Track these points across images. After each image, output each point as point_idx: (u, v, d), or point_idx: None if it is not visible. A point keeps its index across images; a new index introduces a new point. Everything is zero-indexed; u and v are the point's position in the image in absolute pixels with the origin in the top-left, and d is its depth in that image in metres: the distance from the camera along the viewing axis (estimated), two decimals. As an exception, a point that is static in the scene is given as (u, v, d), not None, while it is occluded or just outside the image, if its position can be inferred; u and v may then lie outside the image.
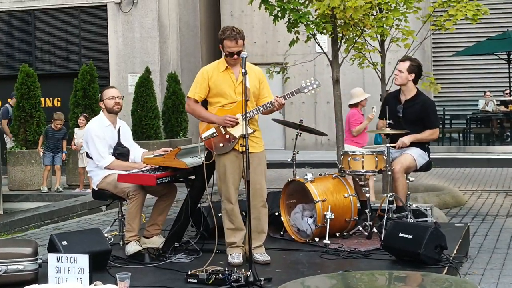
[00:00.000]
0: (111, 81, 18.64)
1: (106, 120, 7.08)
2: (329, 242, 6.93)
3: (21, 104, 14.25)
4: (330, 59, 10.45)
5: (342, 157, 7.38)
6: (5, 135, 14.91)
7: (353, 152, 7.30)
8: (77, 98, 15.09)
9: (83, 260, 5.64)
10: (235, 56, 6.40)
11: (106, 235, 7.60)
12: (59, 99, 19.30)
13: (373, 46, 11.45)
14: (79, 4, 18.89)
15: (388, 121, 7.32)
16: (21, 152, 14.07)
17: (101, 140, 6.92)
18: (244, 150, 6.33)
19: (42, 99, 19.20)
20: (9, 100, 15.38)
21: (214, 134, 6.40)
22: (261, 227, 6.54)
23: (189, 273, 5.84)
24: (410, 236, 6.15)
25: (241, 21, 20.97)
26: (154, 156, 6.81)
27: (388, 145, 7.17)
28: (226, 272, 5.71)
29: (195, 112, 6.55)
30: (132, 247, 6.68)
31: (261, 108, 6.43)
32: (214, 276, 5.70)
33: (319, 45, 10.66)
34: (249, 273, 5.55)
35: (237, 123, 6.36)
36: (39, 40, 19.13)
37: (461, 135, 19.50)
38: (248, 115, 6.38)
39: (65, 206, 10.02)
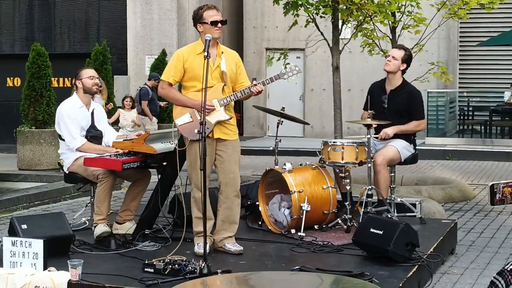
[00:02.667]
0: (128, 62, 18.54)
1: (79, 101, 6.91)
2: (303, 234, 6.70)
3: (31, 83, 14.18)
4: (331, 45, 10.16)
5: (322, 147, 7.11)
6: (141, 117, 14.71)
7: (333, 142, 7.03)
8: (88, 78, 14.98)
9: (38, 245, 5.50)
10: (219, 25, 6.16)
11: (83, 219, 7.51)
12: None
13: (384, 33, 11.16)
14: (99, -16, 18.83)
15: (370, 111, 7.04)
16: (31, 132, 14.02)
17: (73, 121, 6.76)
18: (217, 137, 6.18)
19: (61, 79, 19.27)
20: (148, 81, 15.07)
21: (189, 120, 6.19)
22: (233, 217, 6.34)
23: (146, 262, 5.66)
24: (381, 232, 5.90)
25: (264, 4, 20.70)
26: (124, 140, 6.64)
27: (369, 136, 6.89)
28: (183, 262, 5.52)
29: (169, 96, 6.33)
30: (99, 228, 6.54)
31: (238, 93, 6.19)
32: (170, 266, 5.51)
33: (319, 29, 10.37)
34: (204, 264, 5.35)
35: (214, 109, 6.15)
36: (58, 20, 19.10)
37: (482, 127, 19.02)
38: (225, 100, 6.18)
39: (57, 187, 9.89)
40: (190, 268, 5.43)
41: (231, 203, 6.27)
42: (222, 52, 6.26)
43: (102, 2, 18.92)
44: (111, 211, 7.55)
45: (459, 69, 20.78)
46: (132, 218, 6.97)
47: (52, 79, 19.04)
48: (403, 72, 7.33)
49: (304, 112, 20.86)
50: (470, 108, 19.75)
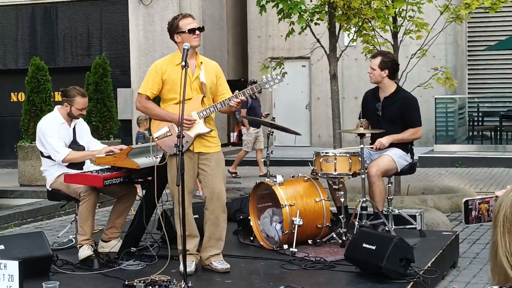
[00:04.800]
0: (131, 75, 18.35)
1: (60, 118, 6.70)
2: (296, 250, 6.41)
3: (31, 98, 13.97)
4: (327, 52, 9.90)
5: (314, 157, 6.83)
6: (242, 127, 14.41)
7: (325, 153, 6.74)
8: (89, 92, 14.78)
9: (13, 266, 5.24)
10: (197, 32, 5.91)
11: (70, 236, 7.27)
12: (81, 92, 19.08)
13: (385, 39, 10.88)
14: (100, -3, 18.66)
15: (362, 119, 6.76)
16: (31, 147, 13.78)
17: (54, 134, 6.53)
18: (198, 151, 5.94)
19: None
20: None
21: (168, 134, 5.94)
22: (219, 233, 6.07)
23: (126, 283, 5.42)
24: (373, 247, 5.61)
25: (268, 13, 20.25)
26: (106, 155, 6.39)
27: (362, 145, 6.60)
28: (163, 283, 5.27)
29: (148, 110, 6.07)
30: (83, 252, 6.29)
31: (218, 105, 5.94)
32: (150, 287, 5.26)
33: (315, 36, 10.11)
34: (183, 285, 5.08)
35: (194, 123, 5.89)
36: (61, 34, 18.94)
37: (493, 133, 18.65)
38: (204, 112, 5.93)
39: (51, 204, 9.65)
40: (171, 289, 5.18)
41: (216, 219, 6.01)
42: (201, 63, 6.01)
43: (104, 15, 18.74)
44: (98, 229, 7.33)
45: (468, 74, 20.43)
46: (118, 236, 6.72)
47: (56, 93, 19.01)
48: (391, 77, 7.03)
49: (311, 121, 20.59)
50: (480, 114, 19.37)
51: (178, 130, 5.86)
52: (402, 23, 10.92)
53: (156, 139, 5.98)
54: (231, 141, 21.32)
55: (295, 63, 19.66)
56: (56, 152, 6.50)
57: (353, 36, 10.11)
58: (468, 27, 19.93)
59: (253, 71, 20.45)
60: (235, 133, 21.35)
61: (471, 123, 19.09)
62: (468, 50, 20.32)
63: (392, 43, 10.85)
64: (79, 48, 19.00)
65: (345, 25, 10.22)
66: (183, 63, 5.44)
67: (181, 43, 5.90)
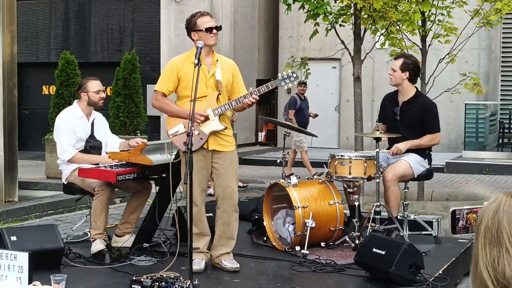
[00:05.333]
0: (161, 71, 18.40)
1: (80, 111, 6.72)
2: (307, 252, 6.38)
3: (60, 91, 14.10)
4: (352, 55, 9.85)
5: (329, 160, 6.79)
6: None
7: (340, 155, 6.70)
8: (117, 87, 14.89)
9: (23, 258, 5.29)
10: (214, 31, 5.93)
11: (86, 230, 7.31)
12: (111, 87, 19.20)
13: (413, 42, 10.80)
14: (133, -7, 18.77)
15: (379, 123, 6.71)
16: (59, 140, 13.91)
17: (68, 133, 6.55)
18: (212, 148, 5.94)
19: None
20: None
21: (182, 131, 5.94)
22: (230, 233, 6.07)
23: (134, 278, 5.43)
24: (383, 252, 5.56)
25: (299, 13, 20.23)
26: (121, 150, 6.42)
27: (377, 149, 6.55)
28: (170, 280, 5.27)
29: (163, 107, 6.09)
30: (95, 246, 6.33)
31: (233, 102, 5.94)
32: (157, 283, 5.27)
33: (339, 38, 10.06)
34: (189, 283, 5.08)
35: (207, 119, 5.90)
36: (93, 29, 19.08)
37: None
38: (219, 110, 5.94)
39: (73, 196, 9.70)
40: (177, 286, 5.18)
41: (228, 218, 6.01)
42: (217, 60, 6.01)
43: (136, 11, 18.85)
44: (113, 224, 7.37)
45: (501, 80, 20.18)
46: (132, 231, 6.75)
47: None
48: (411, 81, 6.94)
49: (340, 123, 20.51)
50: (512, 121, 19.13)
51: (193, 127, 5.89)
52: (431, 26, 10.83)
53: (170, 136, 6.00)
54: (259, 141, 21.31)
55: (326, 64, 19.58)
56: (63, 150, 6.53)
57: (379, 38, 10.04)
58: (503, 32, 19.66)
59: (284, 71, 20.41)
60: (263, 133, 21.34)
61: (501, 130, 18.85)
62: (502, 56, 20.04)
63: (421, 47, 10.77)
64: (110, 44, 19.13)
65: (372, 28, 10.16)
66: (196, 61, 5.44)
67: (198, 41, 5.91)
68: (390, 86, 7.07)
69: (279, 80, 6.04)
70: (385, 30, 10.18)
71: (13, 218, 8.87)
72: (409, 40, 10.80)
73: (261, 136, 21.30)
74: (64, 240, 6.71)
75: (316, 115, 14.99)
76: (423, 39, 10.80)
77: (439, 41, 10.89)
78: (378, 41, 10.17)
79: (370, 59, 18.22)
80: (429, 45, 10.81)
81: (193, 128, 5.33)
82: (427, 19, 10.68)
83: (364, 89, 17.46)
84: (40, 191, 10.80)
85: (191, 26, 6.02)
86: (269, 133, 21.47)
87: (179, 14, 18.35)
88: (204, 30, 5.89)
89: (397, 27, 10.31)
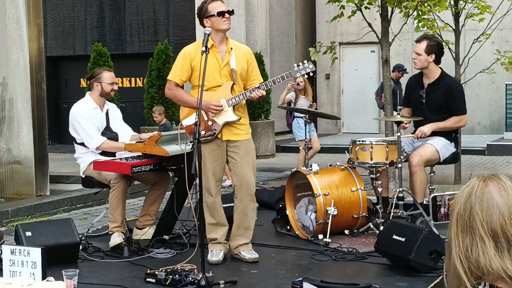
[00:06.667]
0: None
1: (93, 102, 6.65)
2: (329, 240, 6.24)
3: (93, 84, 14.11)
4: (379, 37, 9.62)
5: (350, 146, 6.61)
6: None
7: (361, 141, 6.52)
8: (151, 78, 14.88)
9: (36, 253, 5.26)
10: (227, 15, 5.81)
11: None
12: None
13: (446, 23, 10.51)
14: (167, -17, 18.68)
15: (400, 107, 6.50)
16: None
17: (88, 121, 6.48)
18: (227, 139, 5.83)
19: (133, 79, 19.26)
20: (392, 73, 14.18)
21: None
22: (248, 223, 5.96)
23: (148, 272, 5.36)
24: (403, 239, 5.38)
25: (336, -2, 20.10)
26: (136, 142, 6.33)
27: (399, 134, 6.35)
28: (184, 273, 5.19)
29: (177, 97, 5.98)
30: (114, 239, 6.27)
31: (247, 93, 5.81)
32: (171, 276, 5.19)
33: (366, 20, 9.84)
34: (201, 276, 4.98)
35: (222, 110, 5.78)
36: (128, 20, 19.05)
37: None
38: (233, 100, 5.81)
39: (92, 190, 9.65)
40: (191, 279, 5.10)
41: (245, 208, 5.89)
42: (232, 48, 5.87)
43: (170, 2, 18.75)
44: (134, 217, 7.31)
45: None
46: (153, 223, 6.68)
47: (124, 79, 19.19)
48: (437, 62, 6.70)
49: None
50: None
51: (207, 117, 5.78)
52: (464, 6, 10.52)
53: (185, 126, 5.89)
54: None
55: (364, 48, 19.30)
56: (90, 138, 6.45)
57: (407, 20, 9.77)
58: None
59: (322, 57, 20.18)
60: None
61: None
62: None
63: (454, 27, 10.48)
64: (146, 35, 19.09)
65: (403, 10, 9.89)
66: (203, 48, 5.33)
67: (210, 28, 5.79)
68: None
69: (294, 71, 5.90)
70: (413, 11, 9.90)
71: (41, 212, 8.86)
72: (442, 21, 10.52)
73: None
74: (85, 234, 6.68)
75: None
76: (456, 18, 10.50)
77: (473, 19, 10.57)
78: (406, 23, 9.88)
79: (409, 41, 17.91)
80: (462, 25, 10.52)
81: (200, 117, 5.21)
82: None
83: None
84: (72, 185, 10.78)
85: (202, 13, 5.92)
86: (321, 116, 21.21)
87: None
88: (216, 14, 5.77)
89: (428, 7, 10.03)
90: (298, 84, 11.73)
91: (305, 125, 7.06)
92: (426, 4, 9.69)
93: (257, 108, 16.69)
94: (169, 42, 16.31)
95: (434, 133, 6.60)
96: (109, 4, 19.19)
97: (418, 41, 6.80)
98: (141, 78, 19.00)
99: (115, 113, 6.78)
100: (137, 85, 19.00)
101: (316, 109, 11.91)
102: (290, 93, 12.16)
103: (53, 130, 18.61)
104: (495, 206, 2.03)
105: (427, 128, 6.52)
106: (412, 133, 6.71)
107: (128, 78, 19.12)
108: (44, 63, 10.29)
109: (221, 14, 5.78)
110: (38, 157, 9.85)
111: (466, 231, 2.04)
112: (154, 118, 12.09)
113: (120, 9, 19.06)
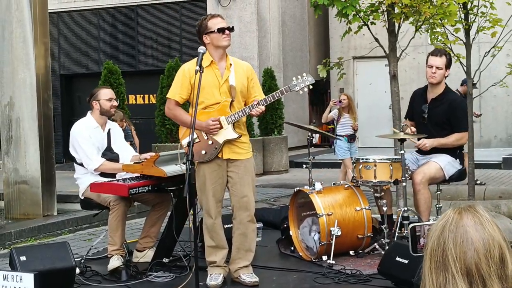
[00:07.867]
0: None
1: (94, 121, 6.54)
2: (333, 262, 6.07)
3: (104, 102, 14.04)
4: (387, 52, 9.46)
5: (354, 164, 6.46)
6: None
7: (365, 159, 6.36)
8: (163, 95, 14.77)
9: (28, 279, 5.14)
10: (227, 32, 5.68)
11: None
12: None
13: (456, 37, 10.35)
14: (179, -1, 18.63)
15: (403, 124, 6.35)
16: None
17: (88, 141, 6.37)
18: (227, 157, 5.69)
19: (146, 96, 19.20)
20: (460, 87, 13.87)
21: (196, 140, 5.70)
22: (248, 245, 5.80)
23: (145, 296, 5.23)
24: (406, 261, 5.22)
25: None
26: (134, 163, 6.21)
27: (402, 151, 6.19)
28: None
29: (176, 117, 5.84)
30: (112, 263, 6.14)
31: (247, 109, 5.67)
32: (166, 301, 5.06)
33: (373, 35, 9.68)
34: (196, 301, 4.84)
35: (220, 128, 5.64)
36: (141, 37, 19.01)
37: None
38: (233, 117, 5.68)
39: (91, 212, 9.52)
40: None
41: (245, 229, 5.74)
42: (231, 65, 5.74)
43: (184, 18, 18.70)
44: (135, 239, 7.18)
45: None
46: (153, 245, 6.54)
47: (138, 96, 19.14)
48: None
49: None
50: None
51: (206, 136, 5.66)
52: (474, 19, 10.36)
53: (184, 146, 5.76)
54: (313, 143, 20.93)
55: (378, 62, 19.10)
56: (89, 160, 6.34)
57: (415, 34, 9.61)
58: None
59: (334, 72, 20.06)
60: (318, 135, 20.95)
61: None
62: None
63: (464, 41, 10.31)
64: (159, 51, 19.05)
65: (415, 23, 9.74)
66: (197, 68, 5.22)
67: (210, 44, 5.69)
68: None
69: (293, 84, 5.76)
70: (422, 23, 9.73)
71: (45, 233, 8.74)
72: (452, 34, 10.36)
73: (316, 138, 20.94)
74: (84, 256, 6.56)
75: (479, 115, 14.34)
76: (467, 32, 10.34)
77: (484, 33, 10.40)
78: (413, 37, 9.72)
79: (423, 55, 17.71)
80: (473, 38, 10.36)
81: (195, 137, 5.09)
82: (470, 11, 10.21)
83: (417, 87, 16.97)
84: (78, 204, 10.64)
85: (202, 30, 5.80)
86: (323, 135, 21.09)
87: (226, 18, 18.08)
88: (216, 31, 5.66)
89: (439, 21, 9.88)
90: (340, 102, 11.64)
91: (308, 142, 6.89)
92: (433, 18, 9.53)
93: (270, 124, 16.57)
94: (182, 58, 16.24)
95: (438, 150, 6.44)
96: (122, 22, 19.17)
97: (435, 54, 6.63)
98: (154, 95, 18.91)
99: (117, 132, 6.67)
100: (150, 102, 18.93)
101: (356, 129, 11.93)
102: (334, 111, 12.07)
103: (67, 148, 18.55)
104: (469, 241, 1.89)
105: (429, 142, 6.37)
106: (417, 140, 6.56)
107: (142, 95, 19.08)
108: (58, 81, 10.24)
109: (221, 30, 5.67)
110: (45, 177, 9.75)
111: (439, 268, 1.91)
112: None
113: (133, 26, 19.04)
